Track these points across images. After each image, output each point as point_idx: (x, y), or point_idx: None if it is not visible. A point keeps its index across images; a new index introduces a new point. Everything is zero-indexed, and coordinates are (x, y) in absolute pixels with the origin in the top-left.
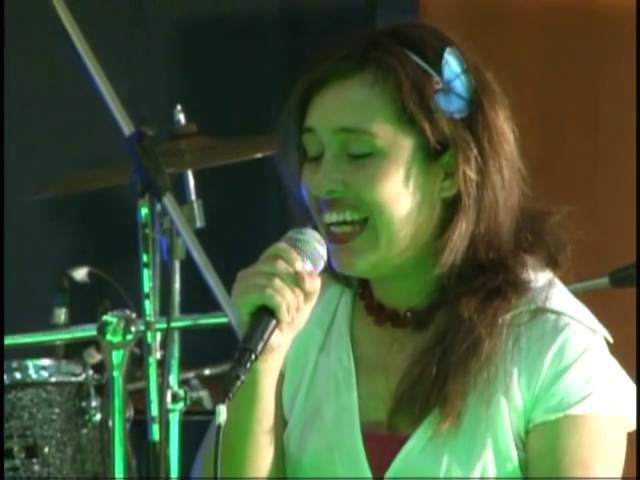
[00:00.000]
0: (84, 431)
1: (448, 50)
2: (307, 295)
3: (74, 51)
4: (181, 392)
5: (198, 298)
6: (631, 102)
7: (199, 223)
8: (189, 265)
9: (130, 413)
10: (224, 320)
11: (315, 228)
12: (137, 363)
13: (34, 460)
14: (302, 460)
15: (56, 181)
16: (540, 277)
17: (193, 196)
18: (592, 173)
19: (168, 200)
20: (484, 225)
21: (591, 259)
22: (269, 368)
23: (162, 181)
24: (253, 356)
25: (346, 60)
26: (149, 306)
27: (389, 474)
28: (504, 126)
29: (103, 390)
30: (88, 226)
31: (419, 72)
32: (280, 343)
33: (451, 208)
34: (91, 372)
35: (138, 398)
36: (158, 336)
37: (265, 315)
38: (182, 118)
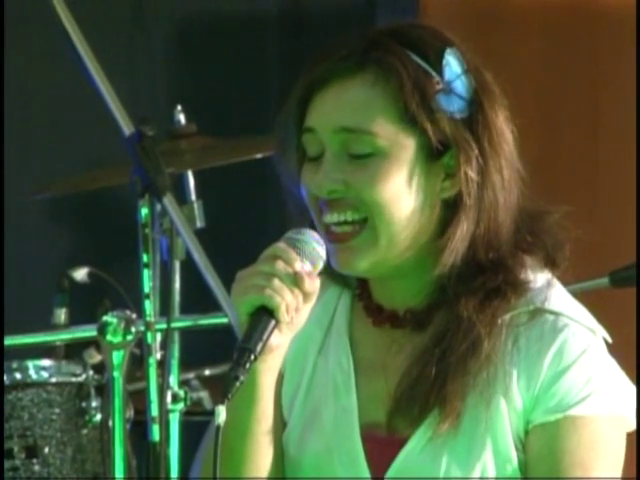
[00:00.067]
0: (84, 431)
1: (449, 50)
2: (306, 295)
3: (74, 51)
4: (181, 392)
5: (198, 298)
6: (631, 102)
7: (199, 223)
8: (189, 265)
9: (130, 413)
10: (224, 320)
11: (313, 228)
12: (137, 363)
13: (34, 460)
14: (301, 461)
15: (56, 181)
16: (539, 277)
17: (193, 196)
18: (592, 173)
19: (168, 200)
20: (484, 225)
21: (591, 259)
22: (268, 368)
23: (162, 181)
24: (252, 356)
25: (346, 60)
26: (149, 306)
27: (389, 475)
28: (504, 126)
29: (103, 390)
30: (88, 226)
31: (420, 72)
32: (279, 343)
33: (451, 208)
34: (91, 372)
35: (138, 398)
36: (158, 336)
37: (264, 315)
38: (182, 118)
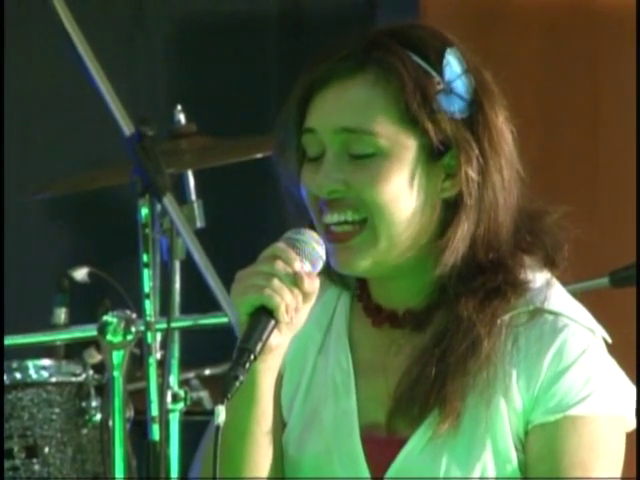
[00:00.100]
0: (84, 431)
1: (449, 51)
2: (306, 295)
3: (74, 51)
4: (181, 392)
5: (198, 298)
6: (631, 102)
7: (199, 223)
8: (189, 265)
9: (130, 413)
10: (224, 320)
11: (311, 229)
12: (137, 363)
13: (34, 460)
14: (301, 462)
15: (56, 181)
16: (538, 277)
17: (193, 196)
18: (592, 173)
19: (168, 200)
20: (484, 225)
21: (591, 259)
22: (268, 368)
23: (162, 181)
24: (252, 356)
25: (347, 60)
26: (149, 306)
27: (388, 475)
28: (503, 127)
29: (103, 390)
30: (88, 226)
31: (421, 72)
32: (279, 343)
33: (451, 209)
34: (91, 372)
35: (138, 398)
36: (158, 336)
37: (264, 315)
38: (182, 118)
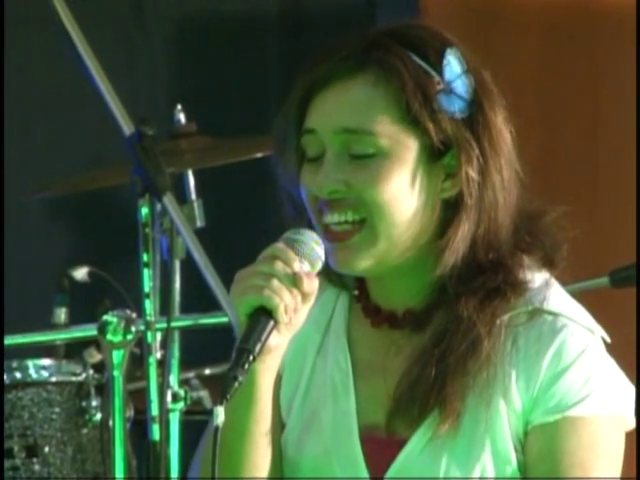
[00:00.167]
0: (84, 431)
1: (449, 51)
2: (305, 296)
3: (74, 51)
4: (181, 392)
5: (198, 298)
6: (631, 102)
7: (199, 223)
8: (189, 265)
9: (130, 413)
10: (224, 320)
11: (310, 229)
12: (137, 363)
13: (34, 460)
14: (300, 463)
15: (56, 181)
16: (537, 277)
17: (193, 196)
18: (592, 173)
19: (168, 200)
20: (484, 225)
21: (591, 259)
22: (267, 369)
23: (162, 181)
24: (251, 357)
25: (347, 60)
26: (149, 306)
27: (388, 475)
28: (502, 127)
29: (103, 390)
30: (88, 226)
31: (421, 73)
32: (278, 344)
33: (452, 209)
34: (91, 372)
35: (138, 398)
36: (158, 336)
37: (263, 316)
38: (182, 118)
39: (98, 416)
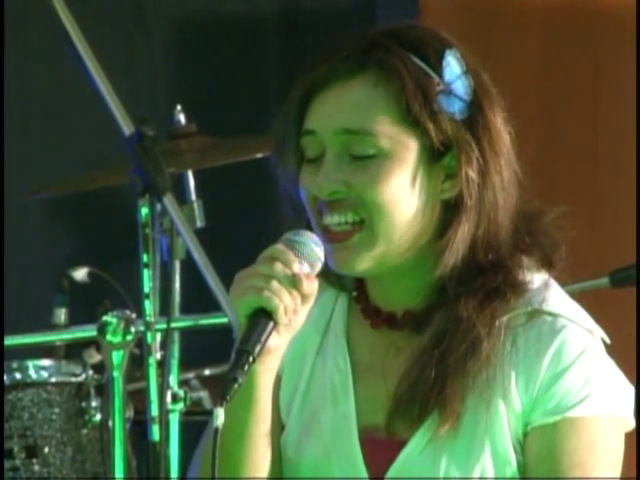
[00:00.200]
0: (84, 431)
1: (448, 52)
2: (304, 297)
3: (74, 51)
4: (181, 392)
5: (198, 298)
6: (631, 102)
7: (199, 223)
8: (189, 265)
9: (130, 413)
10: (224, 320)
11: (309, 229)
12: (137, 363)
13: (34, 460)
14: (300, 464)
15: (56, 181)
16: (536, 278)
17: (193, 196)
18: (591, 173)
19: (168, 200)
20: (484, 226)
21: (590, 259)
22: (266, 370)
23: (162, 181)
24: (250, 358)
25: (347, 61)
26: (149, 306)
27: (388, 476)
28: (502, 128)
29: (103, 390)
30: (88, 226)
31: (421, 73)
32: (277, 345)
33: (451, 209)
34: (91, 372)
35: (138, 398)
36: (158, 336)
37: (262, 317)
38: (182, 118)
39: (98, 417)
